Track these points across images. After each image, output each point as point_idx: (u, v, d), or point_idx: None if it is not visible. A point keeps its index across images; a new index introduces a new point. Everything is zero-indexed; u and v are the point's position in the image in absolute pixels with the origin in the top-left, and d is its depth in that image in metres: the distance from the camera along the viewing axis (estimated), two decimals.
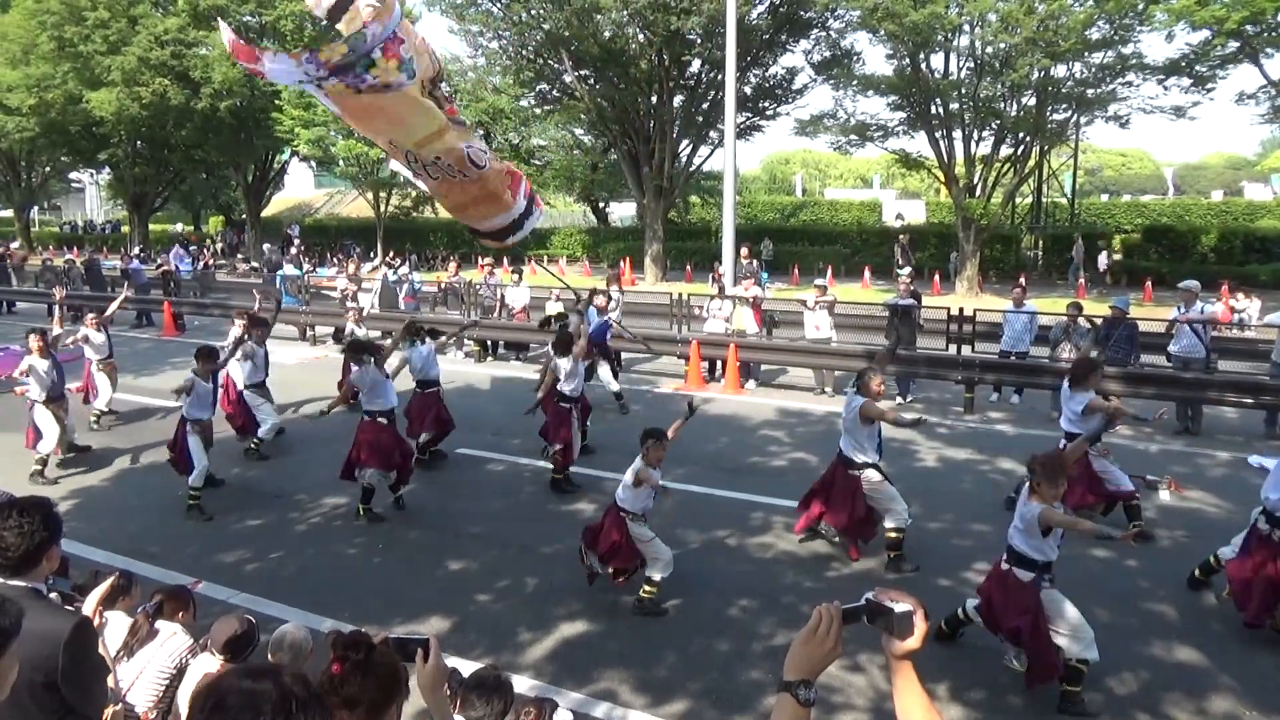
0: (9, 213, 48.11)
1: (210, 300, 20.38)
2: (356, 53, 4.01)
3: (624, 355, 15.11)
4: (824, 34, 28.34)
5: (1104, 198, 53.31)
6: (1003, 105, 24.71)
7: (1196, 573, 6.48)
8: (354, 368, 8.65)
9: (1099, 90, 23.50)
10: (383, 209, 35.77)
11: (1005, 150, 26.13)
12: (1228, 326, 15.08)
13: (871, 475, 6.96)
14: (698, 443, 10.52)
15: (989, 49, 23.72)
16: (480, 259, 22.79)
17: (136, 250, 31.57)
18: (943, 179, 27.02)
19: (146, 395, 12.61)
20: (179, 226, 53.22)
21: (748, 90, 29.99)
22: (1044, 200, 33.33)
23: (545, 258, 36.37)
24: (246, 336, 10.15)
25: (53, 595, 2.88)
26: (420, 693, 2.33)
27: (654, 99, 30.02)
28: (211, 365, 8.57)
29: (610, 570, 6.25)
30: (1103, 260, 28.59)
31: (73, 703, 2.67)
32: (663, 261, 31.55)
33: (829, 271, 28.36)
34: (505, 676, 3.37)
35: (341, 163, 33.66)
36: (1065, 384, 7.59)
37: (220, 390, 9.45)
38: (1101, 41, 22.14)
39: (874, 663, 5.32)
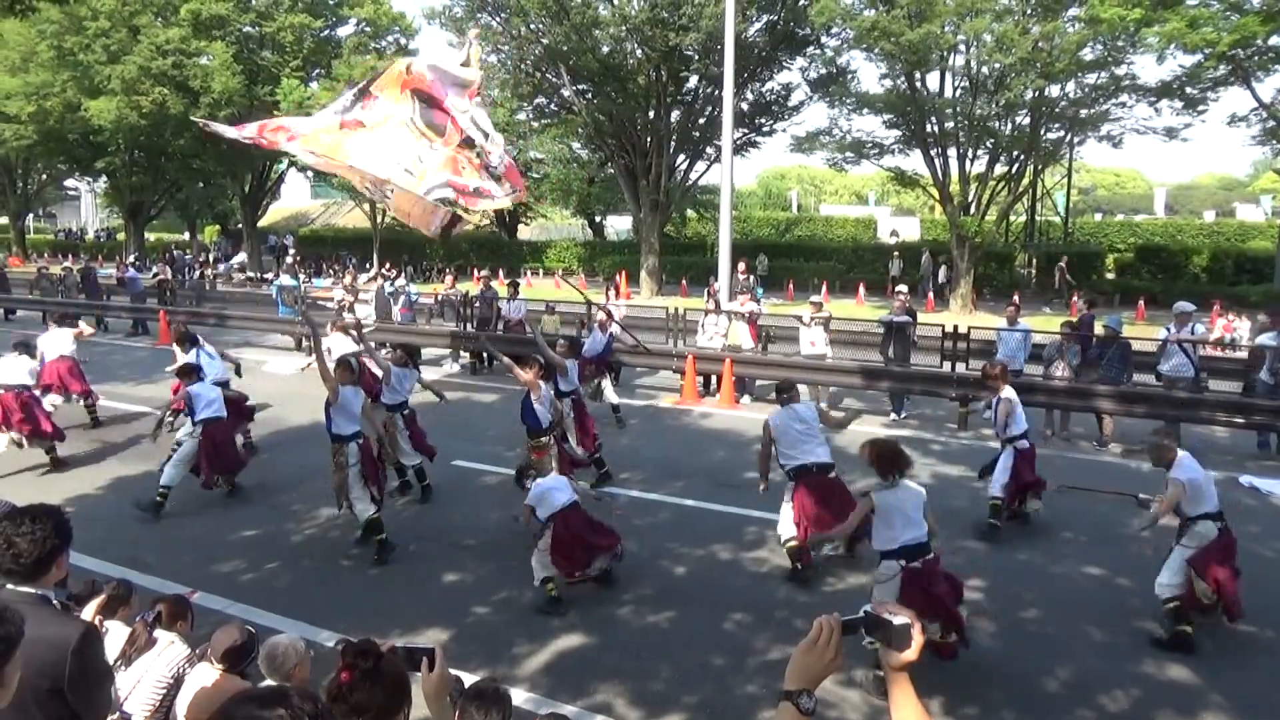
0: (4, 220, 48.08)
1: (207, 309, 20.38)
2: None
3: (622, 370, 15.18)
4: (820, 52, 28.61)
5: (1098, 217, 53.70)
6: (997, 124, 24.94)
7: None
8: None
9: (1092, 110, 23.75)
10: (379, 220, 35.81)
11: (1000, 169, 26.36)
12: (1221, 345, 15.18)
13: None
14: (693, 457, 10.57)
15: (984, 68, 23.99)
16: (476, 271, 22.87)
17: (132, 259, 31.59)
18: (938, 196, 27.22)
19: (141, 404, 12.60)
20: (187, 235, 53.26)
21: (744, 106, 30.21)
22: (1038, 219, 33.57)
23: (560, 271, 36.37)
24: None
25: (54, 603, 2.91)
26: (424, 701, 2.37)
27: (651, 114, 30.21)
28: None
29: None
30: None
31: (77, 710, 2.69)
32: (659, 275, 31.67)
33: (824, 287, 28.52)
34: (504, 689, 3.39)
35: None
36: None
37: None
38: (1095, 63, 22.39)
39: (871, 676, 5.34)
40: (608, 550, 6.65)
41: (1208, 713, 5.23)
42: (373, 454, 7.83)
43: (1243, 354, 13.41)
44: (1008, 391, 8.32)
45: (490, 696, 3.24)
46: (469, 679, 3.96)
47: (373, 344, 10.59)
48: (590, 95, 30.48)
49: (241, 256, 37.16)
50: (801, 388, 13.60)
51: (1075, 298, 26.20)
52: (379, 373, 9.03)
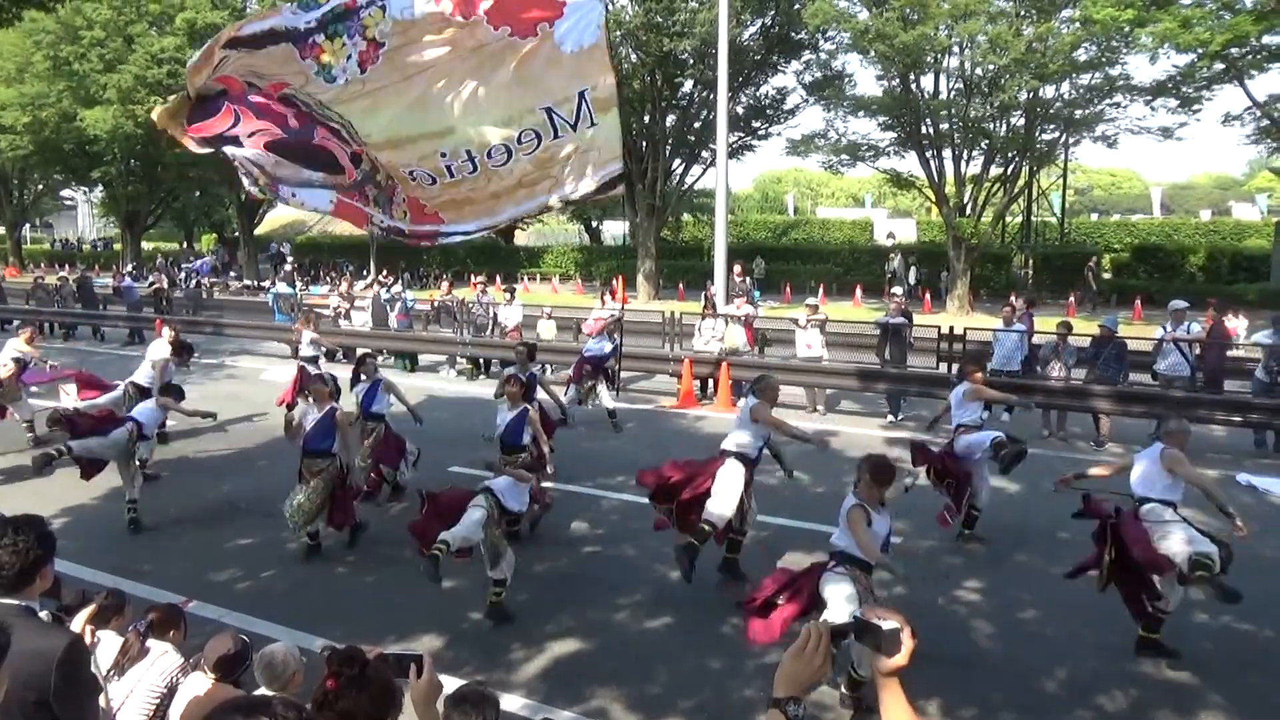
0: (0, 230, 48.07)
1: (203, 318, 20.36)
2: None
3: (621, 374, 15.16)
4: (815, 55, 28.65)
5: (1094, 217, 53.77)
6: (992, 125, 25.00)
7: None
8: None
9: (1087, 111, 23.80)
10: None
11: (995, 170, 26.41)
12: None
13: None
14: None
15: (978, 70, 24.05)
16: (473, 277, 22.85)
17: (129, 268, 31.52)
18: (933, 198, 27.25)
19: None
20: (180, 245, 53.23)
21: (740, 110, 30.25)
22: (1034, 219, 33.62)
23: (557, 277, 36.31)
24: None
25: (43, 614, 2.88)
26: (413, 708, 2.35)
27: (647, 118, 30.21)
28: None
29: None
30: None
31: None
32: (655, 280, 31.66)
33: (820, 290, 28.53)
34: (490, 692, 3.33)
35: None
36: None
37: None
38: (1089, 63, 22.44)
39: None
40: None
41: (1207, 713, 5.21)
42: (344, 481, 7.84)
43: (1242, 353, 13.38)
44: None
45: (474, 700, 3.17)
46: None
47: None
48: None
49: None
50: (799, 390, 13.70)
51: (1072, 298, 26.26)
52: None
